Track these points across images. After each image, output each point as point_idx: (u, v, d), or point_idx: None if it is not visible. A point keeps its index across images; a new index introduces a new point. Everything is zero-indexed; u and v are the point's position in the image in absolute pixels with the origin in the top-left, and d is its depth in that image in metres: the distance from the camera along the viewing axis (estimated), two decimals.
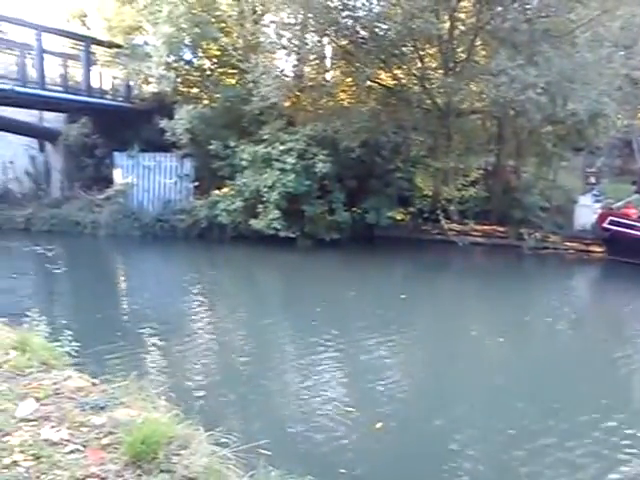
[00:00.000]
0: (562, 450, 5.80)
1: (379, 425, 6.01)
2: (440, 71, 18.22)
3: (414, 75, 18.12)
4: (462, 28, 17.83)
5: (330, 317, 10.61)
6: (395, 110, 18.52)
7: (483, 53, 18.60)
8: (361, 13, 17.53)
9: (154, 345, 8.61)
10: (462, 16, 17.96)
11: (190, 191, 20.23)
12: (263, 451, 4.18)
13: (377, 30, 17.29)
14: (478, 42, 17.79)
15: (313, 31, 18.31)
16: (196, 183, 20.14)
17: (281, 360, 8.49)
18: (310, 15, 17.52)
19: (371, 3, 17.54)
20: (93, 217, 20.24)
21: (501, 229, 18.58)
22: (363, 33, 17.59)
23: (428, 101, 17.92)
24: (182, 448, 3.79)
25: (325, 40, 19.03)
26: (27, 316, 6.70)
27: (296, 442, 5.76)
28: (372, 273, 14.76)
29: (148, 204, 20.51)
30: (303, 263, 16.18)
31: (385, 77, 19.12)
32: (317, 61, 19.84)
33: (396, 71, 18.56)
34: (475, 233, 18.49)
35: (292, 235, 17.36)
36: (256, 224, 17.17)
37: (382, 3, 17.37)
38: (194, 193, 20.03)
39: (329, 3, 17.09)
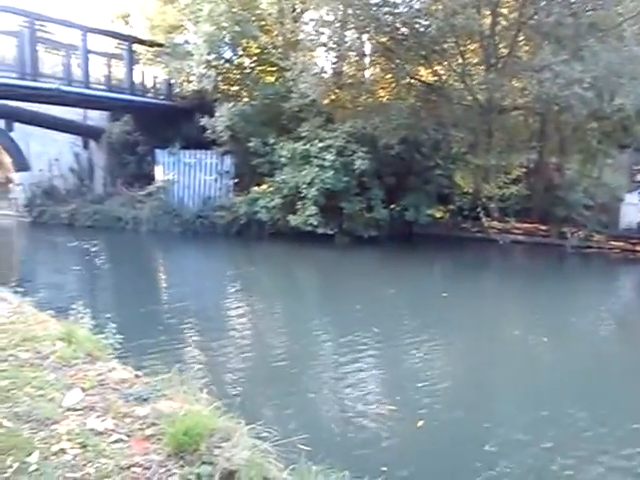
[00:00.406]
0: (617, 458, 5.60)
1: (420, 424, 5.95)
2: (481, 67, 17.95)
3: (455, 71, 17.90)
4: (504, 23, 17.54)
5: (369, 315, 10.54)
6: (435, 107, 18.34)
7: (526, 48, 18.26)
8: (401, 9, 17.40)
9: (195, 340, 8.71)
10: (504, 11, 17.67)
11: (230, 188, 20.41)
12: (303, 447, 4.18)
13: (417, 26, 17.13)
14: (521, 37, 17.49)
15: (352, 28, 18.27)
16: (235, 180, 20.32)
17: (320, 357, 8.46)
18: (350, 12, 17.48)
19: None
20: (135, 213, 20.60)
21: (543, 227, 18.24)
22: (403, 29, 17.45)
23: (469, 97, 17.69)
24: (224, 440, 3.82)
25: (365, 37, 18.97)
26: (72, 309, 6.86)
27: (336, 439, 5.74)
28: (411, 271, 14.64)
29: (188, 200, 20.77)
30: (341, 260, 16.15)
31: (425, 73, 18.95)
32: (356, 58, 19.80)
33: (436, 67, 18.37)
34: (516, 231, 18.20)
35: (330, 232, 17.38)
36: (294, 220, 17.23)
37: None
38: (234, 190, 20.20)
39: (369, 0, 17.00)
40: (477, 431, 5.96)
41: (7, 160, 24.09)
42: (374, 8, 17.11)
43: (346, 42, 18.44)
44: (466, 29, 16.15)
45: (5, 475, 3.28)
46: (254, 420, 4.25)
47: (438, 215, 18.41)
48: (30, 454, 3.47)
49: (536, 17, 16.31)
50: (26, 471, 3.33)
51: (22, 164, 23.80)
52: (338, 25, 18.10)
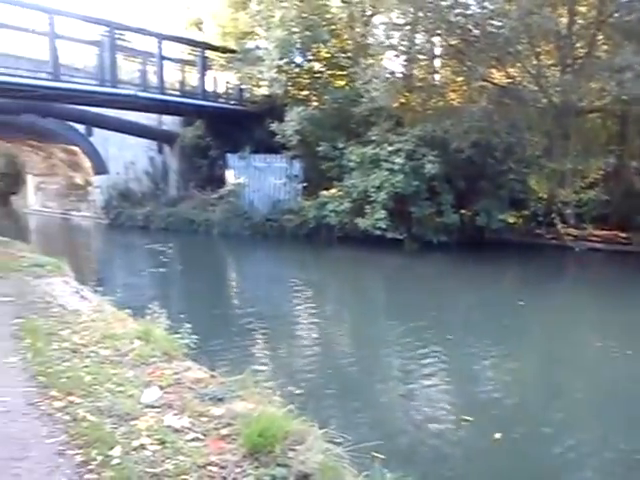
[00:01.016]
0: None
1: (498, 436, 5.75)
2: (557, 68, 17.44)
3: (529, 73, 17.44)
4: (582, 22, 16.99)
5: (441, 322, 10.35)
6: (508, 109, 17.90)
7: (605, 48, 17.58)
8: (474, 11, 17.11)
9: (266, 343, 8.79)
10: (582, 9, 17.11)
11: (299, 192, 20.58)
12: (376, 454, 4.14)
13: (490, 28, 16.79)
14: (600, 37, 16.87)
15: (423, 31, 18.11)
16: (304, 184, 20.47)
17: (390, 364, 8.38)
18: (420, 14, 17.33)
19: (485, 0, 17.05)
20: (206, 216, 21.05)
21: (623, 235, 17.44)
22: (475, 31, 17.14)
23: (544, 100, 17.19)
24: (298, 443, 3.82)
25: (435, 39, 18.76)
26: (148, 309, 7.05)
27: (409, 447, 5.65)
28: (484, 277, 14.28)
29: (258, 204, 21.06)
30: (410, 265, 15.98)
31: (498, 75, 18.54)
32: (426, 61, 19.60)
33: (510, 69, 17.95)
34: (594, 238, 17.49)
35: (399, 237, 17.25)
36: (362, 223, 17.20)
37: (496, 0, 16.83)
38: (302, 194, 20.35)
39: (441, 2, 16.80)
40: (561, 450, 5.70)
41: (87, 164, 25.11)
42: (445, 10, 16.90)
43: (416, 45, 18.30)
44: (541, 29, 15.73)
45: (90, 467, 3.40)
46: (325, 424, 4.25)
47: (511, 220, 17.92)
48: (112, 448, 3.58)
49: (616, 15, 15.72)
50: (109, 464, 3.43)
51: (100, 168, 24.78)
52: (408, 28, 17.97)
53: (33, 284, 8.71)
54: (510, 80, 18.04)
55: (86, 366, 5.01)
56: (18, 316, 6.74)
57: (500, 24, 16.39)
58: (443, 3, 16.85)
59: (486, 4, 16.95)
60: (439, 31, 17.60)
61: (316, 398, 5.96)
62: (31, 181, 31.09)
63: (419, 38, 18.53)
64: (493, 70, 18.18)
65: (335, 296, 13.21)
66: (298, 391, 5.41)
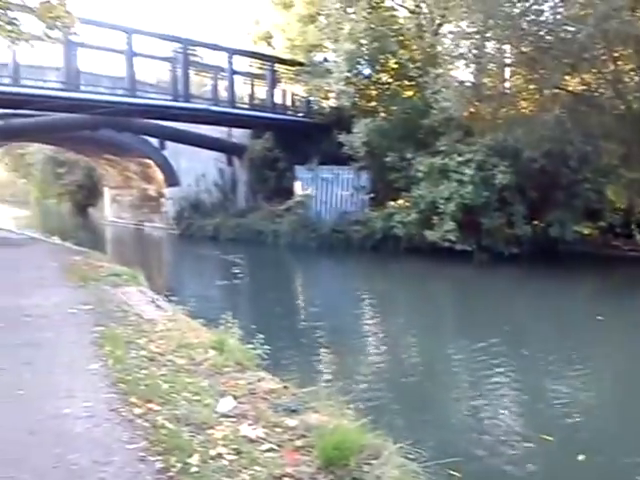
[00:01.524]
0: None
1: (581, 458, 5.50)
2: (636, 73, 16.75)
3: (606, 79, 16.84)
4: None
5: (514, 337, 10.06)
6: (583, 117, 17.29)
7: None
8: (547, 17, 16.69)
9: (335, 354, 8.77)
10: None
11: (366, 203, 20.55)
12: (454, 472, 4.05)
13: (564, 34, 16.33)
14: None
15: (493, 39, 17.78)
16: (372, 195, 20.42)
17: (461, 378, 8.19)
18: (491, 22, 17.04)
19: (558, 6, 16.61)
20: (274, 227, 21.30)
21: None
22: (548, 38, 16.70)
23: (622, 106, 16.55)
24: (373, 458, 3.79)
25: (506, 47, 18.39)
26: (220, 318, 7.17)
27: (487, 465, 5.47)
28: (558, 290, 13.78)
29: (325, 215, 21.16)
30: (480, 278, 15.63)
31: (572, 82, 17.99)
32: (497, 69, 19.23)
33: (585, 75, 17.38)
34: None
35: (468, 248, 16.92)
36: (431, 235, 16.99)
37: (571, 5, 16.34)
38: (370, 205, 20.31)
39: (512, 9, 16.48)
40: None
41: (159, 176, 25.92)
42: (517, 17, 16.56)
43: (486, 53, 17.98)
44: (620, 34, 15.14)
45: (170, 474, 3.47)
46: (399, 439, 4.19)
47: (586, 232, 17.28)
48: (190, 456, 3.64)
49: None
50: (188, 472, 3.49)
51: (173, 180, 25.54)
52: (478, 37, 17.71)
53: (111, 293, 9.03)
54: (585, 87, 17.47)
55: (163, 374, 5.14)
56: (98, 324, 6.99)
57: (575, 30, 15.90)
58: (515, 10, 16.52)
59: (560, 10, 16.50)
60: (510, 39, 17.23)
61: (388, 412, 5.88)
62: (107, 193, 32.34)
63: (489, 46, 18.20)
64: (567, 77, 17.65)
65: (403, 308, 13.06)
66: (370, 404, 5.35)
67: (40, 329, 6.85)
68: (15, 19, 7.30)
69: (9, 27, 7.20)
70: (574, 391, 7.67)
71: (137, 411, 4.37)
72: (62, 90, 16.33)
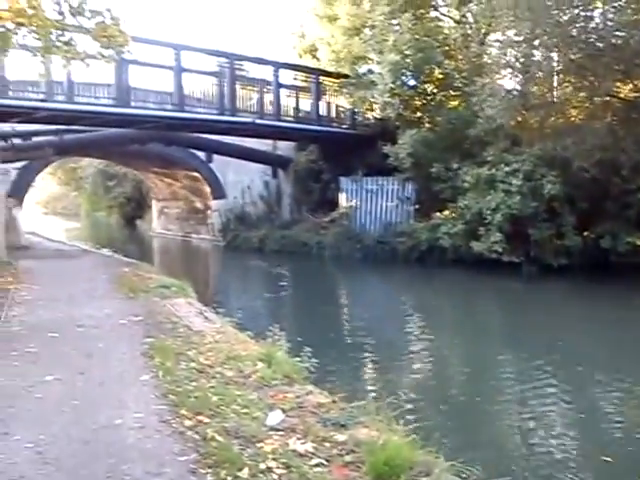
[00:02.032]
0: None
1: None
2: None
3: None
4: None
5: (567, 352, 9.77)
6: (636, 124, 16.83)
7: None
8: (597, 23, 16.34)
9: (382, 368, 8.70)
10: None
11: (411, 214, 20.42)
12: None
13: (615, 40, 15.95)
14: None
15: (541, 47, 17.50)
16: (417, 206, 20.28)
17: (513, 395, 7.94)
18: (538, 30, 16.78)
19: (609, 12, 16.25)
20: (319, 238, 21.34)
21: None
22: (599, 44, 16.34)
23: None
24: (424, 475, 3.74)
25: (554, 55, 18.07)
26: (267, 330, 7.21)
27: None
28: (611, 304, 13.35)
29: (370, 226, 21.11)
30: (529, 290, 15.32)
31: (624, 89, 17.54)
32: (545, 78, 18.89)
33: (637, 82, 16.93)
34: None
35: (516, 260, 16.58)
36: (477, 246, 16.74)
37: (623, 11, 15.97)
38: (415, 216, 20.17)
39: (561, 16, 16.20)
40: None
41: (206, 189, 26.32)
42: (566, 24, 16.27)
43: (534, 62, 17.70)
44: None
45: None
46: (449, 456, 4.12)
47: (639, 243, 16.75)
48: (241, 469, 3.66)
49: None
50: None
51: (219, 192, 25.90)
52: (525, 45, 17.46)
53: (160, 304, 9.20)
54: (638, 93, 17.01)
55: (212, 386, 5.19)
56: (148, 335, 7.13)
57: (627, 36, 15.53)
58: (564, 17, 16.24)
59: (611, 16, 16.14)
60: (559, 46, 16.92)
61: (438, 428, 5.77)
62: (155, 206, 32.98)
63: (537, 54, 17.92)
64: (618, 84, 17.21)
65: (450, 321, 12.89)
66: (419, 420, 5.27)
67: (92, 339, 7.03)
68: (72, 39, 7.56)
69: (66, 47, 7.45)
70: (634, 410, 7.41)
71: (187, 423, 4.43)
72: (113, 106, 16.77)
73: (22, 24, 7.16)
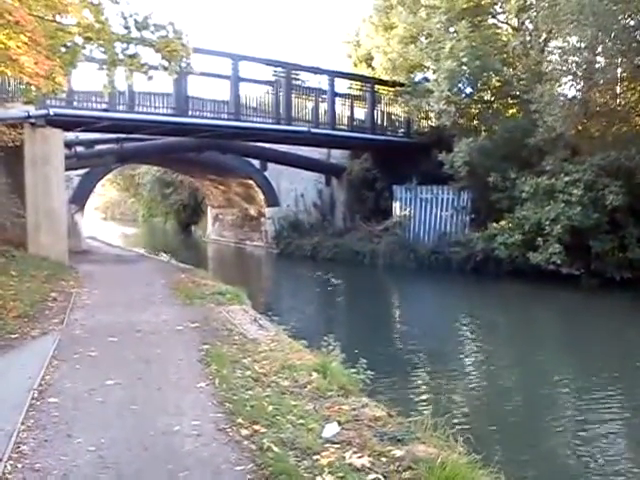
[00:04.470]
0: None
1: None
2: None
3: None
4: None
5: (629, 367, 9.44)
6: None
7: None
8: None
9: (437, 382, 8.52)
10: None
11: (466, 223, 20.10)
12: None
13: None
14: None
15: (605, 53, 17.01)
16: (472, 215, 19.95)
17: (571, 412, 7.69)
18: (603, 36, 16.33)
19: None
20: (372, 247, 21.25)
21: None
22: None
23: None
24: None
25: (618, 61, 17.53)
26: (321, 340, 7.19)
27: None
28: None
29: (424, 236, 20.90)
30: (589, 304, 14.80)
31: None
32: (607, 85, 18.35)
33: None
34: None
35: (575, 272, 16.11)
36: (535, 258, 16.34)
37: None
38: (470, 225, 19.84)
39: (628, 21, 15.71)
40: None
41: (260, 196, 26.59)
42: (632, 30, 15.78)
43: (597, 68, 17.22)
44: None
45: None
46: (511, 476, 4.00)
47: None
48: None
49: None
50: None
51: (273, 200, 26.13)
52: (588, 51, 17.02)
53: (216, 311, 9.30)
54: None
55: (268, 395, 5.20)
56: (204, 342, 7.21)
57: None
58: (631, 22, 15.75)
59: None
60: (624, 52, 16.41)
61: (498, 446, 5.63)
62: (210, 212, 33.54)
63: (600, 61, 17.43)
64: None
65: (507, 334, 12.57)
66: (478, 437, 5.13)
67: (150, 345, 7.15)
68: (136, 53, 7.78)
69: (130, 60, 7.67)
70: None
71: (244, 432, 4.45)
72: (172, 115, 17.17)
73: (90, 38, 7.41)
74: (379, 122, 22.88)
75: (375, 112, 22.39)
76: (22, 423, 4.59)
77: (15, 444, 4.22)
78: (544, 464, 5.94)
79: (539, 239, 16.42)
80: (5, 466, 3.87)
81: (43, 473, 3.82)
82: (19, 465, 3.93)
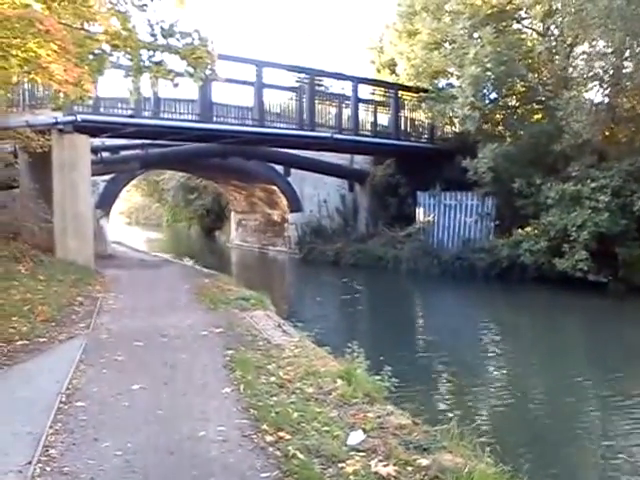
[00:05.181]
0: None
1: None
2: None
3: None
4: None
5: None
6: None
7: None
8: None
9: (464, 390, 8.47)
10: None
11: (491, 230, 19.93)
12: None
13: None
14: None
15: (633, 57, 16.77)
16: (497, 222, 19.77)
17: (601, 422, 7.57)
18: (629, 41, 16.12)
19: None
20: (394, 253, 21.16)
21: None
22: None
23: None
24: None
25: None
26: (345, 346, 7.17)
27: None
28: None
29: (447, 242, 20.76)
30: (618, 312, 14.55)
31: None
32: (636, 89, 18.09)
33: None
34: None
35: (603, 279, 15.91)
36: (561, 264, 16.16)
37: None
38: (495, 232, 19.67)
39: None
40: None
41: (283, 202, 26.66)
42: None
43: (624, 73, 17.00)
44: None
45: None
46: None
47: None
48: None
49: None
50: None
51: (296, 205, 26.17)
52: (615, 56, 16.80)
53: (240, 317, 9.34)
54: None
55: (293, 402, 5.20)
56: (228, 347, 7.24)
57: None
58: None
59: None
60: None
61: (525, 456, 5.54)
62: (233, 218, 33.70)
63: (627, 66, 17.20)
64: None
65: (532, 341, 12.40)
66: (504, 446, 5.06)
67: (175, 350, 7.20)
68: (162, 60, 7.86)
69: (156, 68, 7.75)
70: None
71: (268, 439, 4.45)
72: (197, 122, 17.30)
73: (117, 46, 7.51)
74: (403, 128, 22.82)
75: (399, 118, 22.33)
76: (50, 427, 4.65)
77: (44, 447, 4.27)
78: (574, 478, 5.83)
79: (565, 245, 16.25)
80: (34, 469, 3.92)
81: (71, 477, 3.86)
82: (47, 468, 3.98)
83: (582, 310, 14.92)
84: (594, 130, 16.38)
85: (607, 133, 17.90)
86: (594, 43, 17.18)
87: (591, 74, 17.34)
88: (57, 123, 14.38)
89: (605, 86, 17.66)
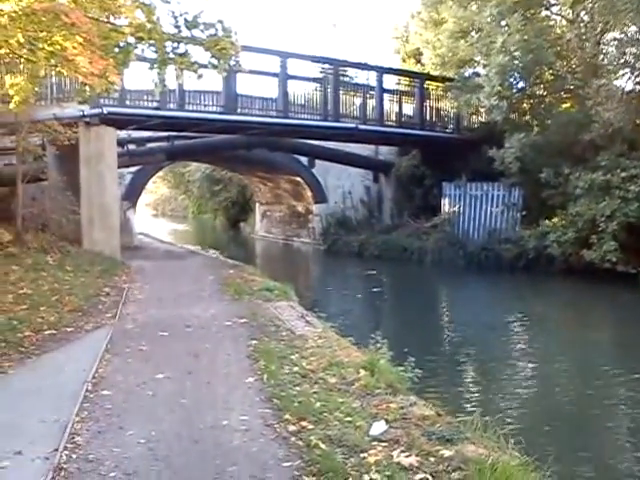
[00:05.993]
0: None
1: None
2: None
3: None
4: None
5: None
6: None
7: None
8: None
9: (489, 382, 8.41)
10: None
11: (517, 220, 19.66)
12: None
13: None
14: None
15: None
16: (524, 212, 19.50)
17: (624, 415, 7.47)
18: None
19: None
20: (419, 244, 21.02)
21: None
22: None
23: None
24: None
25: None
26: (368, 337, 7.15)
27: None
28: None
29: (473, 233, 20.54)
30: None
31: None
32: None
33: None
34: None
35: (632, 271, 15.62)
36: (589, 255, 15.92)
37: None
38: (522, 222, 19.41)
39: None
40: None
41: (308, 193, 26.65)
42: None
43: None
44: None
45: None
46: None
47: None
48: None
49: None
50: None
51: (320, 197, 26.14)
52: None
53: (263, 307, 9.37)
54: None
55: (315, 392, 5.20)
56: (252, 337, 7.27)
57: None
58: None
59: None
60: None
61: (550, 449, 5.45)
62: (258, 209, 33.79)
63: None
64: None
65: (560, 333, 12.20)
66: (530, 439, 4.99)
67: (199, 339, 7.26)
68: (187, 52, 7.89)
69: (180, 59, 7.78)
70: None
71: (291, 428, 4.46)
72: (221, 113, 17.35)
73: (142, 38, 7.55)
74: (428, 118, 22.63)
75: (424, 108, 22.14)
76: (76, 415, 4.72)
77: (70, 435, 4.33)
78: (600, 472, 5.74)
79: (593, 236, 16.00)
80: (61, 456, 3.98)
81: (96, 464, 3.91)
82: (74, 455, 4.03)
83: (611, 302, 14.69)
84: (625, 119, 16.04)
85: (638, 122, 17.51)
86: (625, 29, 16.83)
87: (622, 61, 17.01)
88: (84, 116, 14.56)
89: (636, 73, 17.28)
